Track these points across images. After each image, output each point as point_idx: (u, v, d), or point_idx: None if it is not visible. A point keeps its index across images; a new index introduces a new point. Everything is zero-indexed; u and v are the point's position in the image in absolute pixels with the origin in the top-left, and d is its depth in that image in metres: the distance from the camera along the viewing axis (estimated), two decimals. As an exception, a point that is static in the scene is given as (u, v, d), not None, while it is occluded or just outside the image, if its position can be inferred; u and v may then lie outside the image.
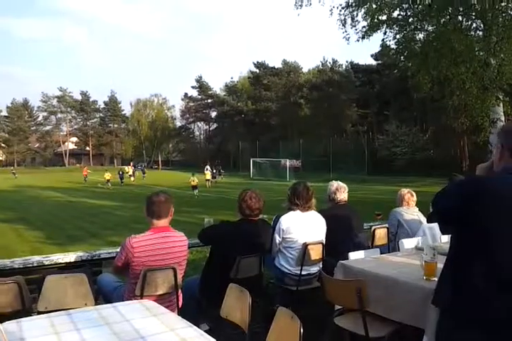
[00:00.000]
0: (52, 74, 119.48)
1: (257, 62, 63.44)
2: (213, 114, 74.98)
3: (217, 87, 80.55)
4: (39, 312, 2.44)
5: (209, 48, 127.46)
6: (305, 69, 61.94)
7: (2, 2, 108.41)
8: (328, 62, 56.84)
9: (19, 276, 2.43)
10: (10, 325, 1.90)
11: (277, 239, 3.48)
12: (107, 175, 29.57)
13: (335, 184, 3.98)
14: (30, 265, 3.08)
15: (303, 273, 3.45)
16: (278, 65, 62.03)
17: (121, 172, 32.49)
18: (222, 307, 2.38)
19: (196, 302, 3.16)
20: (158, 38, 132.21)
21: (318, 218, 3.61)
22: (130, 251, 2.71)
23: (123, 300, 2.80)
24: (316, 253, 3.45)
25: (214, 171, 33.04)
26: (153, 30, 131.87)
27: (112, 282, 3.12)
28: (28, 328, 1.89)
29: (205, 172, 30.60)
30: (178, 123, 78.84)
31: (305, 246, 3.39)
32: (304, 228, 3.49)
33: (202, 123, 78.06)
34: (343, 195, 3.94)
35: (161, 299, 2.72)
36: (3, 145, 70.67)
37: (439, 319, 1.74)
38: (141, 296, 2.66)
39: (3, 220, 13.95)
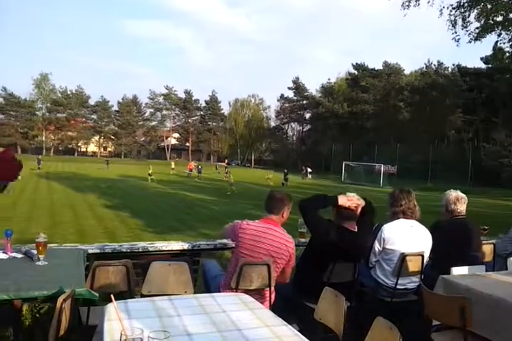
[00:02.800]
0: (160, 73, 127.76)
1: (356, 63, 62.11)
2: (307, 116, 74.86)
3: (313, 88, 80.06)
4: (142, 295, 2.61)
5: (308, 50, 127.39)
6: (407, 72, 59.34)
7: (117, 4, 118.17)
8: (432, 65, 53.95)
9: (128, 260, 2.61)
10: (119, 305, 2.05)
11: (377, 247, 3.35)
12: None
13: (453, 193, 3.66)
14: (136, 250, 3.31)
15: (399, 287, 3.29)
16: (378, 66, 60.12)
17: (200, 167, 37.04)
18: (316, 309, 2.36)
19: (287, 302, 3.17)
20: (259, 39, 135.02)
21: (421, 228, 3.41)
22: (238, 231, 2.94)
23: (219, 289, 2.92)
24: (414, 265, 3.27)
25: (303, 171, 33.21)
26: (254, 32, 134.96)
27: (215, 270, 3.31)
28: (133, 309, 2.02)
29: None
30: (273, 124, 79.97)
31: (403, 257, 3.23)
32: (405, 238, 3.32)
33: (296, 124, 78.35)
34: (463, 207, 3.63)
35: (254, 294, 2.77)
36: (112, 137, 77.03)
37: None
38: (236, 289, 2.73)
39: (110, 207, 15.22)
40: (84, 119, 75.44)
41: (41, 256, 2.58)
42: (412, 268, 3.27)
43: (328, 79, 70.51)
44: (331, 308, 2.27)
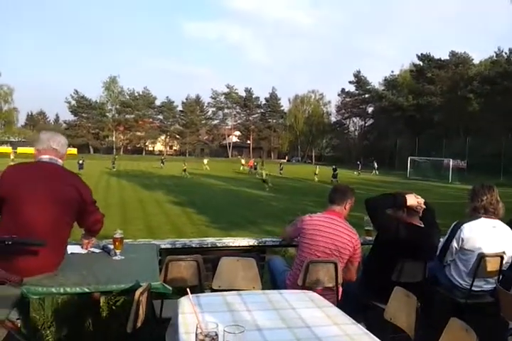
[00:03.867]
0: (221, 72, 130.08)
1: (421, 54, 59.53)
2: (370, 110, 73.00)
3: (375, 81, 77.96)
4: (212, 290, 2.69)
5: (369, 42, 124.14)
6: (476, 61, 55.99)
7: (176, 6, 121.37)
8: (503, 53, 50.52)
9: (198, 255, 2.69)
10: (192, 299, 2.12)
11: (454, 246, 3.21)
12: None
13: None
14: (205, 246, 3.41)
15: (474, 288, 3.14)
16: (445, 56, 57.25)
17: (255, 163, 37.97)
18: (386, 309, 2.32)
19: (354, 300, 3.13)
20: (318, 34, 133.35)
21: (505, 228, 3.21)
22: (300, 224, 3.04)
23: (285, 286, 2.95)
24: (492, 266, 3.09)
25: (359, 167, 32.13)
26: (313, 27, 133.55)
27: (281, 266, 3.35)
28: (205, 303, 2.08)
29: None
30: (333, 119, 78.81)
31: (480, 257, 3.07)
32: (486, 239, 3.14)
33: (357, 118, 76.68)
34: None
35: (320, 292, 2.76)
36: (177, 136, 79.64)
37: None
38: (303, 286, 2.73)
39: (177, 203, 15.75)
40: (151, 120, 78.55)
41: (118, 251, 2.73)
42: (489, 269, 3.10)
43: (392, 72, 68.39)
44: (401, 308, 2.22)
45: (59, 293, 2.25)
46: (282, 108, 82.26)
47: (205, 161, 40.63)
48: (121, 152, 71.91)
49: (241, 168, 39.87)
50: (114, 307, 3.06)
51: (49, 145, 2.58)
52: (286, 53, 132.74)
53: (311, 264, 2.78)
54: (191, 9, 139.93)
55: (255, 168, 36.19)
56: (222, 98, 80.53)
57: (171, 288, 2.34)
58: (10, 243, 1.90)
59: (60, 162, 2.61)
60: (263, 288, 2.78)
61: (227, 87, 79.98)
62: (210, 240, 3.51)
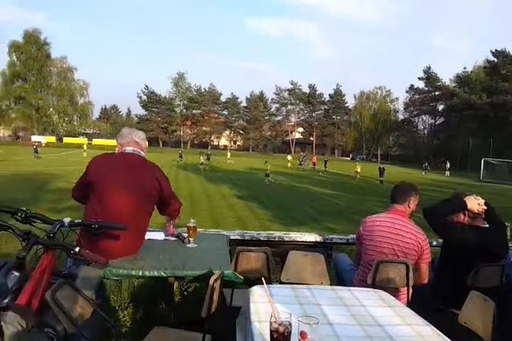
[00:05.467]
0: (285, 68, 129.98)
1: (496, 50, 55.89)
2: (440, 107, 69.70)
3: (446, 78, 74.16)
4: (280, 282, 2.73)
5: (440, 37, 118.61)
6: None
7: (242, 2, 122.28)
8: None
9: (267, 247, 2.74)
10: (263, 289, 2.17)
11: None
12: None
13: None
14: (273, 239, 3.46)
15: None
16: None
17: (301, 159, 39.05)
18: (460, 313, 2.24)
19: (424, 303, 3.04)
20: (386, 29, 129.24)
21: None
22: (362, 226, 2.97)
23: (352, 283, 2.92)
24: None
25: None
26: (380, 21, 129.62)
27: (347, 263, 3.32)
28: (275, 294, 2.11)
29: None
30: (401, 116, 76.21)
31: None
32: None
33: (427, 116, 73.62)
34: None
35: (390, 292, 2.71)
36: (241, 132, 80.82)
37: None
38: (373, 285, 2.70)
39: (241, 198, 16.03)
40: (216, 115, 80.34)
41: (191, 239, 2.85)
42: None
43: (464, 68, 64.80)
44: (478, 312, 2.14)
45: (138, 276, 2.39)
46: (347, 104, 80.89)
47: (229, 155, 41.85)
48: (188, 146, 74.13)
49: (288, 164, 39.77)
50: (185, 293, 3.18)
51: (131, 139, 2.76)
52: (352, 49, 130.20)
53: (380, 264, 2.73)
54: (257, 5, 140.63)
55: (301, 164, 36.71)
56: (286, 94, 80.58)
57: (242, 278, 2.40)
58: (96, 226, 2.04)
59: (142, 154, 2.77)
60: (329, 285, 2.78)
61: (291, 83, 79.91)
62: (277, 234, 3.56)
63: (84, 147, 42.44)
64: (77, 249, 1.79)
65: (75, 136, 68.17)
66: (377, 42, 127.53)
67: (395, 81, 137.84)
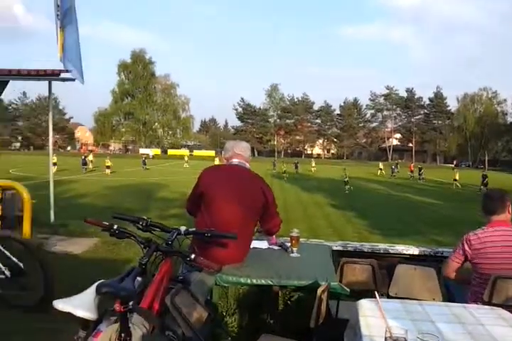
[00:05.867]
0: (379, 73, 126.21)
1: None
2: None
3: None
4: (389, 296, 2.63)
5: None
6: None
7: (332, 10, 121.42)
8: None
9: (373, 259, 2.68)
10: (371, 302, 2.11)
11: None
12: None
13: None
14: (377, 251, 3.36)
15: None
16: None
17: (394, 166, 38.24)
18: None
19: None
20: (488, 28, 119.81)
21: None
22: (466, 245, 2.72)
23: (464, 300, 2.73)
24: None
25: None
26: (482, 20, 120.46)
27: None
28: (384, 308, 2.04)
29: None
30: (510, 119, 69.85)
31: None
32: None
33: (543, 118, 66.67)
34: None
35: (510, 311, 2.49)
36: (335, 140, 79.93)
37: None
38: (489, 303, 2.50)
39: (337, 207, 15.82)
40: (309, 124, 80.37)
41: (294, 249, 2.87)
42: None
43: None
44: None
45: (245, 284, 2.47)
46: (449, 108, 76.10)
47: (313, 163, 41.23)
48: (282, 155, 75.03)
49: (378, 172, 38.10)
50: (289, 302, 3.21)
51: (233, 152, 2.89)
52: (452, 50, 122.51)
53: (498, 280, 2.52)
54: (347, 12, 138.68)
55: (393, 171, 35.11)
56: (381, 100, 78.19)
57: (348, 290, 2.37)
58: (209, 235, 2.15)
59: (247, 165, 2.88)
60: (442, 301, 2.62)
61: (387, 88, 77.35)
62: (382, 246, 3.45)
63: (185, 158, 45.20)
64: (192, 256, 1.89)
65: (177, 148, 72.58)
66: (479, 42, 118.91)
67: (501, 82, 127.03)
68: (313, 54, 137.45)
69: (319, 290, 2.01)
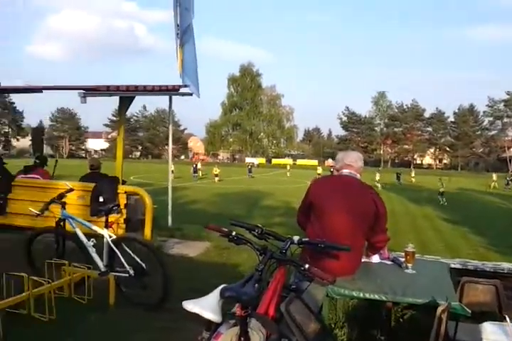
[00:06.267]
0: (499, 78, 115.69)
1: None
2: None
3: None
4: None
5: None
6: None
7: (452, 10, 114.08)
8: None
9: (497, 280, 2.48)
10: (494, 326, 1.95)
11: None
12: None
13: None
14: (501, 271, 3.10)
15: None
16: None
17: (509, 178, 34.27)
18: None
19: None
20: None
21: None
22: None
23: None
24: None
25: None
26: None
27: None
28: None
29: None
30: None
31: None
32: None
33: None
34: None
35: None
36: (448, 149, 74.84)
37: None
38: None
39: (448, 220, 14.78)
40: (419, 132, 76.42)
41: (409, 265, 2.76)
42: None
43: None
44: None
45: (358, 297, 2.44)
46: None
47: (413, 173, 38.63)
48: (388, 165, 72.22)
49: (492, 184, 34.32)
50: (401, 320, 3.09)
51: (343, 163, 2.88)
52: None
53: None
54: (463, 13, 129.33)
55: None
56: (501, 106, 71.45)
57: (470, 311, 2.22)
58: (322, 246, 2.16)
59: (358, 176, 2.86)
60: None
61: (508, 94, 70.45)
62: (506, 265, 3.17)
63: (288, 167, 45.94)
64: (306, 266, 1.92)
65: (281, 157, 73.70)
66: None
67: None
68: (423, 58, 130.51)
69: (439, 310, 1.92)
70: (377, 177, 29.49)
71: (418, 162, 78.73)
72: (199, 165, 35.02)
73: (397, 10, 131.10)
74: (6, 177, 5.76)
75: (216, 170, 29.91)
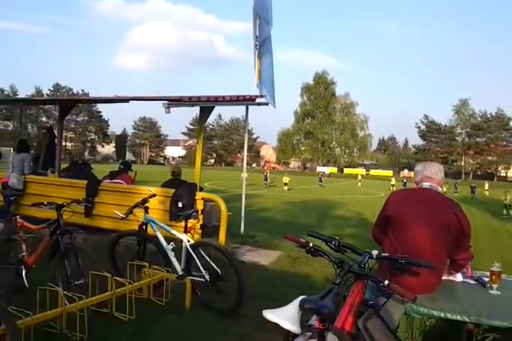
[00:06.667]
0: None
1: None
2: None
3: None
4: None
5: None
6: None
7: None
8: None
9: None
10: None
11: None
12: None
13: None
14: None
15: None
16: None
17: None
18: None
19: None
20: None
21: None
22: None
23: None
24: None
25: None
26: None
27: None
28: None
29: None
30: None
31: None
32: None
33: None
34: None
35: None
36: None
37: None
38: None
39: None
40: (504, 143, 71.41)
41: (494, 285, 2.60)
42: None
43: None
44: None
45: (438, 317, 2.33)
46: None
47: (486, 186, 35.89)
48: (469, 177, 68.09)
49: None
50: (484, 343, 2.90)
51: (423, 175, 2.78)
52: None
53: None
54: None
55: None
56: None
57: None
58: (402, 262, 2.09)
59: (439, 189, 2.74)
60: None
61: None
62: None
63: (359, 177, 44.96)
64: (386, 282, 1.87)
65: (353, 167, 72.28)
66: None
67: None
68: (507, 63, 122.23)
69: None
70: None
71: (503, 174, 73.39)
72: (268, 173, 35.33)
73: (480, 14, 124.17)
74: (93, 182, 6.22)
75: (286, 179, 29.93)
